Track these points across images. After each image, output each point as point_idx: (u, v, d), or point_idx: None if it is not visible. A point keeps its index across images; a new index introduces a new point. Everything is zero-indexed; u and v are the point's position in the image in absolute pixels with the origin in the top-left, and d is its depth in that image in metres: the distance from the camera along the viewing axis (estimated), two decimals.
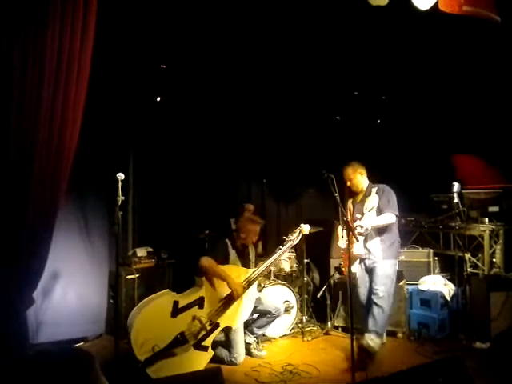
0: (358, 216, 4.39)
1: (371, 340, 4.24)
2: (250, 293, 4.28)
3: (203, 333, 3.99)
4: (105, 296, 5.12)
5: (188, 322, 3.98)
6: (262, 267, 4.37)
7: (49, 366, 1.27)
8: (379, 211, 4.32)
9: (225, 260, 4.32)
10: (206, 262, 4.17)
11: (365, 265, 4.45)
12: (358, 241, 3.92)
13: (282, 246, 4.48)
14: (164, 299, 4.06)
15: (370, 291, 4.40)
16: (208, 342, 4.01)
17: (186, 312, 4.00)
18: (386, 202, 4.32)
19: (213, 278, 4.16)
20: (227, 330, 4.21)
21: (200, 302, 4.08)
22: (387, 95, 6.79)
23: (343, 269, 4.58)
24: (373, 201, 4.36)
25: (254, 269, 4.40)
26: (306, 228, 4.56)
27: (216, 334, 4.07)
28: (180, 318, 3.97)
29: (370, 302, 4.39)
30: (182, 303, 4.02)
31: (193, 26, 4.66)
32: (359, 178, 4.47)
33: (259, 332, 4.57)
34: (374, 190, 4.38)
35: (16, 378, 1.25)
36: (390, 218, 4.28)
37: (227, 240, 4.45)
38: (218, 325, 4.08)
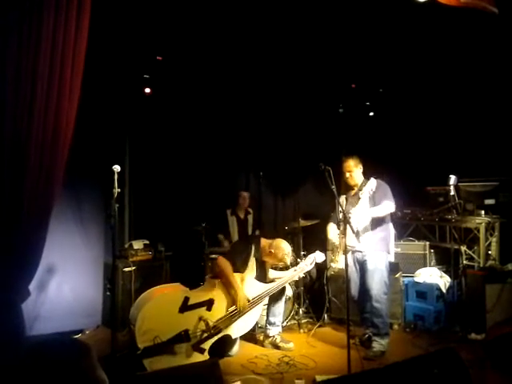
0: (351, 209, 4.30)
1: (377, 343, 4.25)
2: (256, 309, 4.32)
3: (205, 335, 3.97)
4: (100, 288, 5.12)
5: (194, 321, 3.95)
6: (274, 286, 4.42)
7: (46, 355, 1.26)
8: (374, 204, 4.27)
9: (243, 265, 4.33)
10: (223, 263, 4.18)
11: (356, 258, 4.43)
12: (354, 233, 3.90)
13: (295, 269, 4.62)
14: (176, 293, 4.06)
15: (363, 291, 4.37)
16: (206, 345, 3.98)
17: (193, 310, 3.98)
18: (383, 194, 4.28)
19: (226, 284, 4.17)
20: (225, 336, 4.17)
21: (209, 304, 4.06)
22: (384, 88, 6.77)
23: (333, 264, 4.58)
24: (367, 195, 4.24)
25: (266, 285, 4.42)
26: (319, 257, 4.76)
27: (215, 339, 4.05)
28: (187, 315, 3.95)
29: (365, 305, 4.37)
30: (192, 301, 3.99)
31: (189, 17, 4.62)
32: (359, 171, 4.45)
33: (275, 320, 4.57)
34: (369, 184, 4.24)
35: (13, 370, 1.24)
36: (390, 206, 4.25)
37: (253, 246, 4.45)
38: (220, 331, 4.07)
